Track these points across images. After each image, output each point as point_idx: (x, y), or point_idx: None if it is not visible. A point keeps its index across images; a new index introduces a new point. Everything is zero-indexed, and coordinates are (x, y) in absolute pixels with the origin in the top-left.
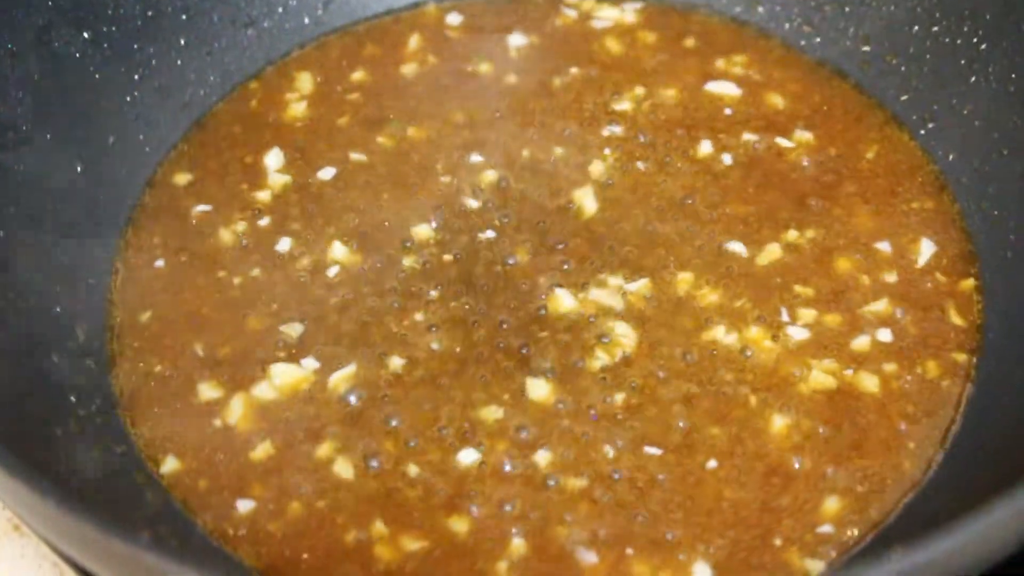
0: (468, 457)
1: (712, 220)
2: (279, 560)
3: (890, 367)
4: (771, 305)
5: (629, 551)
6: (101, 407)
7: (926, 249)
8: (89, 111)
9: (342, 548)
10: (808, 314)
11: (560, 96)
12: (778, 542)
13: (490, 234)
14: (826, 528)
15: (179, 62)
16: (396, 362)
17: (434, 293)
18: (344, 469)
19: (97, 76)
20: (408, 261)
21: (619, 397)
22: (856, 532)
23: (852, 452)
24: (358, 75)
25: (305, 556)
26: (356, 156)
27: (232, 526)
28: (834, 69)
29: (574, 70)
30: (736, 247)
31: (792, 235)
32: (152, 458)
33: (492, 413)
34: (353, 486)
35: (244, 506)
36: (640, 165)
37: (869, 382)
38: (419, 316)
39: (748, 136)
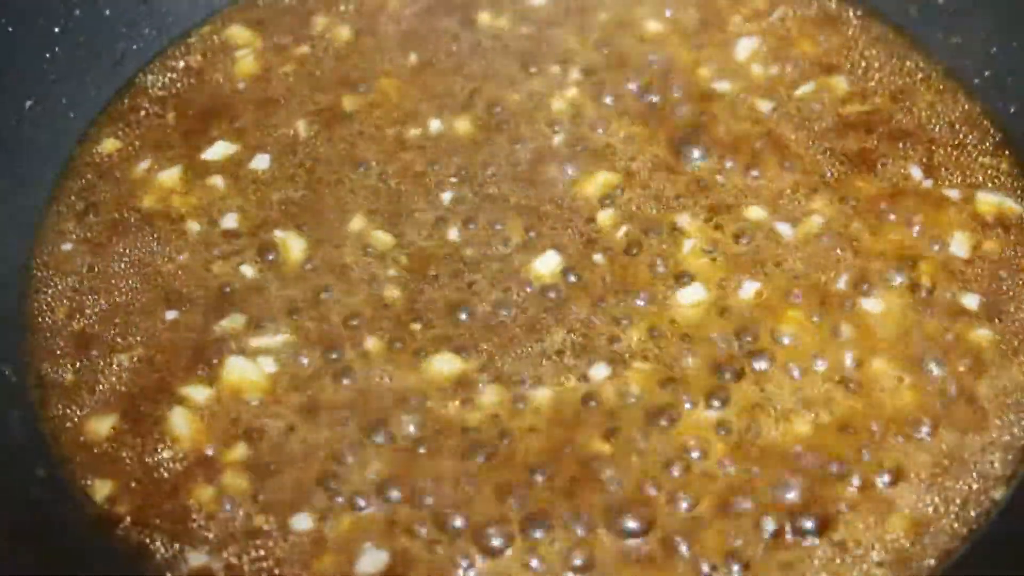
0: None
1: (743, 186)
2: None
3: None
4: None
5: None
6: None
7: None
8: (1, 70)
9: None
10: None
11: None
12: None
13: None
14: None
15: (107, 12)
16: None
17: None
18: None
19: (11, 29)
20: (368, 258)
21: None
22: None
23: None
24: (316, 27)
25: None
26: (314, 123)
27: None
28: (870, 10)
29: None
30: (771, 220)
31: (832, 204)
32: (81, 484)
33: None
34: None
35: (196, 558)
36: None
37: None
38: (392, 298)
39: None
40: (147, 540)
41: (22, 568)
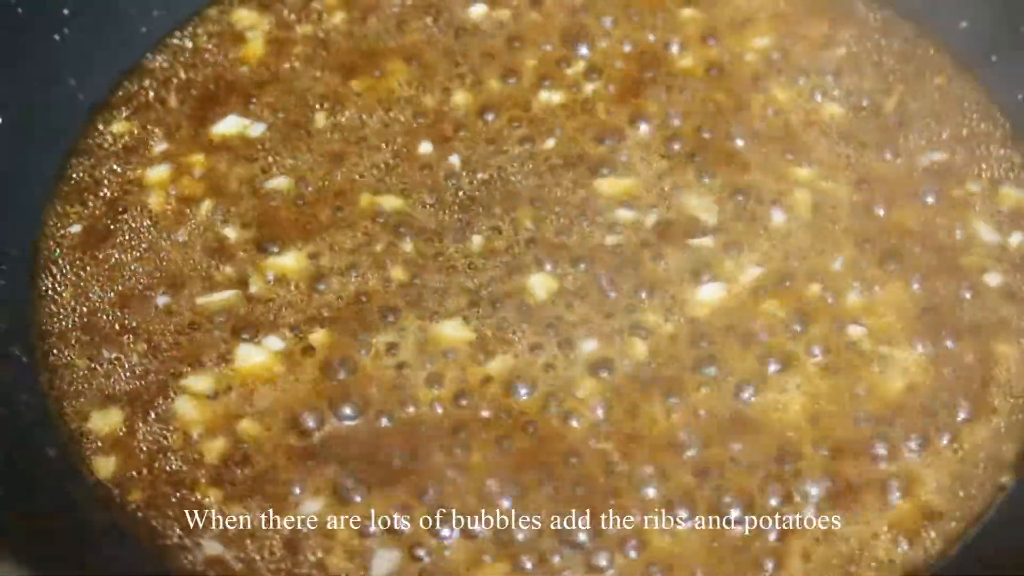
0: None
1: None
2: None
3: None
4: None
5: None
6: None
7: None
8: (10, 52)
9: None
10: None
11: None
12: None
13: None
14: None
15: None
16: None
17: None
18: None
19: (20, 11)
20: (376, 235)
21: None
22: None
23: None
24: (323, 8)
25: None
26: (322, 104)
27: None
28: None
29: None
30: (784, 204)
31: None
32: (91, 465)
33: None
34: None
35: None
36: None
37: None
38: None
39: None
40: (159, 525)
41: (33, 549)
